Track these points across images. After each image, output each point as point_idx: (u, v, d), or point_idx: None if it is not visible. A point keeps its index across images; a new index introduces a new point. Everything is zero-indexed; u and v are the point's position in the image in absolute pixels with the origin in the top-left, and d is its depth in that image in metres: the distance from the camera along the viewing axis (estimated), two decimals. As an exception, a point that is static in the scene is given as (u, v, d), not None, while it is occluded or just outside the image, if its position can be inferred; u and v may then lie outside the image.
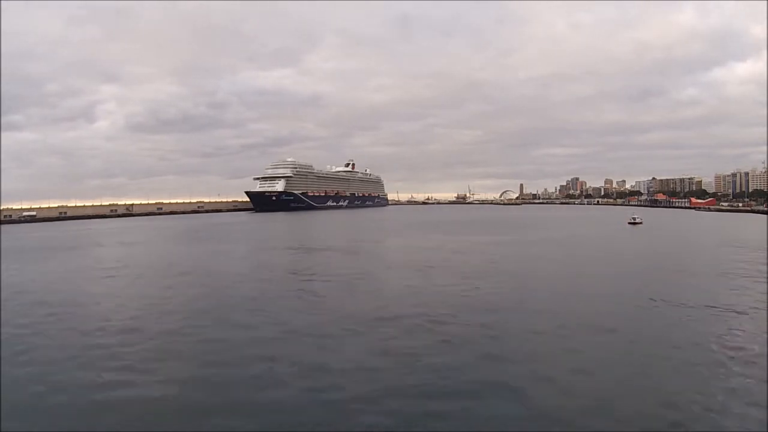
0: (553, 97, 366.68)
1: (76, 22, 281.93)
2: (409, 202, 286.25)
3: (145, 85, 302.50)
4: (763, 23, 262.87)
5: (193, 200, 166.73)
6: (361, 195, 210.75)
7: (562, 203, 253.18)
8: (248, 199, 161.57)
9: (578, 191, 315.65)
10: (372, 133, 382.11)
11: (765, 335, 14.35)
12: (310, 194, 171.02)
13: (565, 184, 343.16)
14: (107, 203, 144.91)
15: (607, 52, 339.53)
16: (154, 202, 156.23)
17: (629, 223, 73.19)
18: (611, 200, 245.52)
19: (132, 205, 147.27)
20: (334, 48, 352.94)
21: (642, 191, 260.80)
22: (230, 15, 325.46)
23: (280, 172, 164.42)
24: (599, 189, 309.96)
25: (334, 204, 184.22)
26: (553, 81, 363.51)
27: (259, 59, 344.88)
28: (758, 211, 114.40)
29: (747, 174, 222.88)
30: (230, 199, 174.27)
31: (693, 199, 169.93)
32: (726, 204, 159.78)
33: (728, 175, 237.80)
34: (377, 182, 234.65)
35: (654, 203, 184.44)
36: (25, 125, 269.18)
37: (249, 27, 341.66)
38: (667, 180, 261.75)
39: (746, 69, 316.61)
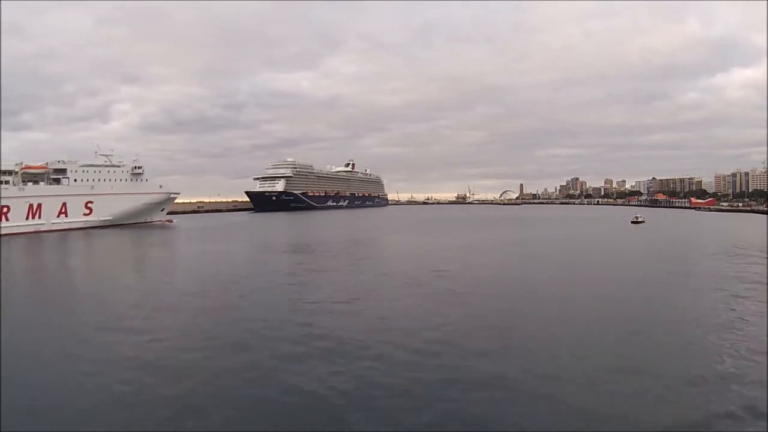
0: (562, 100, 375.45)
1: (105, 22, 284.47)
2: (409, 202, 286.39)
3: (165, 86, 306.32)
4: (764, 32, 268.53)
5: (193, 200, 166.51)
6: (361, 195, 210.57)
7: (562, 203, 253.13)
8: (248, 199, 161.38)
9: (578, 191, 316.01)
10: (381, 134, 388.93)
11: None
12: (310, 194, 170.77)
13: (565, 184, 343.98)
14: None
15: (616, 58, 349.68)
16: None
17: (632, 222, 74.03)
18: (611, 200, 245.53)
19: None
20: (356, 52, 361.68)
21: (642, 191, 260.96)
22: (258, 18, 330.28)
23: (281, 172, 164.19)
24: (599, 189, 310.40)
25: (334, 204, 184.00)
26: (562, 85, 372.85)
27: (281, 62, 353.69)
28: (758, 211, 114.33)
29: (747, 174, 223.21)
30: (230, 199, 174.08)
31: (693, 199, 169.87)
32: (726, 204, 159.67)
33: (728, 175, 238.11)
34: (377, 182, 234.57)
35: (654, 203, 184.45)
36: (35, 125, 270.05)
37: (275, 30, 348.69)
38: (667, 180, 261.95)
39: (748, 75, 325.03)
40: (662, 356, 12.73)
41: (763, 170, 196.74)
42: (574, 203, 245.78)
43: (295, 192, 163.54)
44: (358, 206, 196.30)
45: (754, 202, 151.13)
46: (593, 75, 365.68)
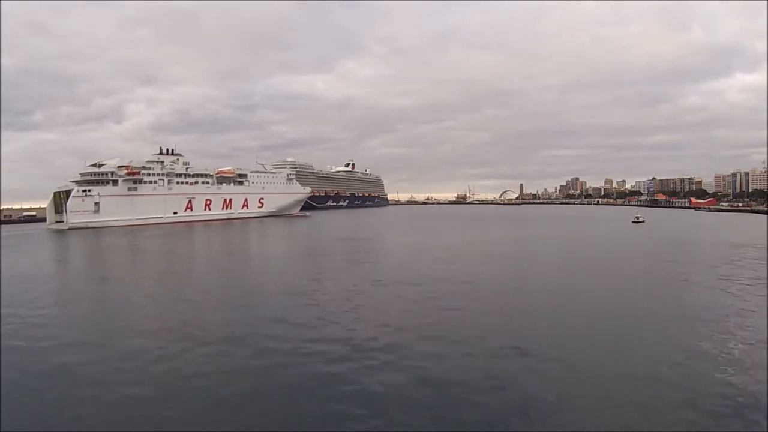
0: (569, 103, 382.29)
1: (131, 23, 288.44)
2: (409, 202, 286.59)
3: (180, 88, 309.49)
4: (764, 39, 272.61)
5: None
6: (361, 195, 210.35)
7: (562, 203, 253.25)
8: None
9: (578, 191, 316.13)
10: (387, 135, 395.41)
11: None
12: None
13: (565, 184, 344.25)
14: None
15: (623, 63, 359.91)
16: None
17: (633, 221, 73.89)
18: (611, 200, 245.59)
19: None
20: (374, 56, 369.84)
21: (642, 191, 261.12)
22: (281, 22, 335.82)
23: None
24: (599, 189, 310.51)
25: (334, 204, 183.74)
26: (570, 88, 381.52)
27: (298, 65, 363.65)
28: (758, 211, 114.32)
29: (747, 174, 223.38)
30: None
31: (693, 199, 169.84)
32: (726, 204, 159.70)
33: (728, 175, 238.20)
34: (377, 182, 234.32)
35: (654, 203, 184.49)
36: (45, 124, 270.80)
37: (296, 34, 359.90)
38: (667, 180, 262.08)
39: (750, 80, 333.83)
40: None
41: (763, 170, 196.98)
42: (574, 203, 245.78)
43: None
44: (357, 206, 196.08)
45: (754, 202, 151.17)
46: (600, 79, 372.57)
